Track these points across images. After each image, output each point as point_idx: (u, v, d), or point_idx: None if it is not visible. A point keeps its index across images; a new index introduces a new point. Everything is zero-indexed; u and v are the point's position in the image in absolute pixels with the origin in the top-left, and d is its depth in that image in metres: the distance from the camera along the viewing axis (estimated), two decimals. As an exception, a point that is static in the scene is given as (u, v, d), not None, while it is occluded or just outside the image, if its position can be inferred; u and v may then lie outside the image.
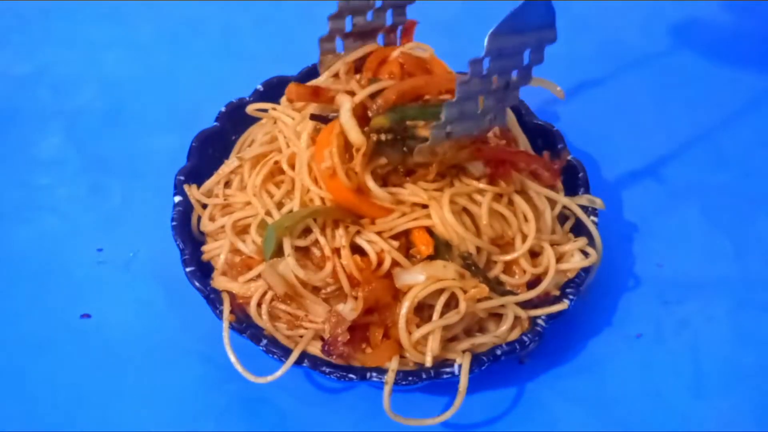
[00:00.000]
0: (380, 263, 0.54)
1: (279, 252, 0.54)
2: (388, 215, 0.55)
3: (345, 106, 0.54)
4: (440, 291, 0.54)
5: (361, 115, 0.55)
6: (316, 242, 0.54)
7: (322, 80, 0.61)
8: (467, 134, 0.53)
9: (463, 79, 0.49)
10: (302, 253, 0.55)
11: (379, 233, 0.54)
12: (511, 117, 0.65)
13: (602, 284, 0.63)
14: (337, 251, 0.54)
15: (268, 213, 0.56)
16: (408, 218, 0.55)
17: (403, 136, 0.54)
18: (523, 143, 0.64)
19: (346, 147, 0.54)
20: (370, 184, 0.53)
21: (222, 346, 0.55)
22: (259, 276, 0.56)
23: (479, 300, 0.54)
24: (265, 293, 0.55)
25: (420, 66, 0.60)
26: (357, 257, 0.54)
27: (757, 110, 0.79)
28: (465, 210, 0.56)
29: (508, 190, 0.57)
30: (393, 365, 0.53)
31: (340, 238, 0.54)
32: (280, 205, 0.56)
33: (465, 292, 0.54)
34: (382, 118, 0.54)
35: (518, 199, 0.57)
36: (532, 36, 0.51)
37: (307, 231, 0.54)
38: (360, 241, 0.54)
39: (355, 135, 0.53)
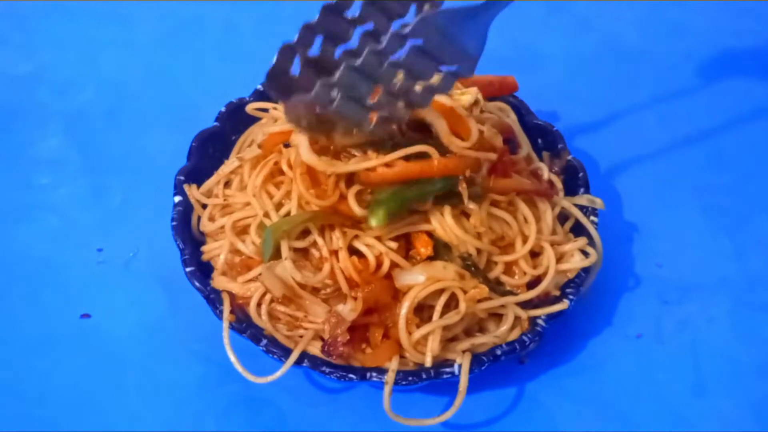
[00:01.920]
0: (379, 266, 0.54)
1: (277, 254, 0.54)
2: None
3: (303, 145, 0.54)
4: (440, 291, 0.54)
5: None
6: (315, 243, 0.54)
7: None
8: (346, 119, 0.49)
9: (376, 49, 0.45)
10: (301, 254, 0.55)
11: (377, 237, 0.54)
12: (513, 119, 0.65)
13: (602, 284, 0.63)
14: (335, 253, 0.54)
15: (267, 215, 0.56)
16: (406, 222, 0.55)
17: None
18: (526, 145, 0.64)
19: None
20: (353, 205, 0.53)
21: (222, 346, 0.55)
22: (258, 276, 0.56)
23: (479, 300, 0.54)
24: (264, 294, 0.55)
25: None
26: (355, 259, 0.54)
27: (757, 110, 0.79)
28: (464, 213, 0.56)
29: (508, 197, 0.57)
30: (393, 365, 0.53)
31: (337, 240, 0.54)
32: (279, 206, 0.56)
33: (465, 292, 0.54)
34: (382, 214, 0.52)
35: (518, 201, 0.57)
36: (456, 52, 0.47)
37: (306, 232, 0.54)
38: (358, 244, 0.54)
39: (323, 167, 0.53)
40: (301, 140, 0.54)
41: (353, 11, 0.49)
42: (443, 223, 0.54)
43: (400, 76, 0.48)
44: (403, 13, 0.50)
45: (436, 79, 0.49)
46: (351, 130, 0.51)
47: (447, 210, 0.54)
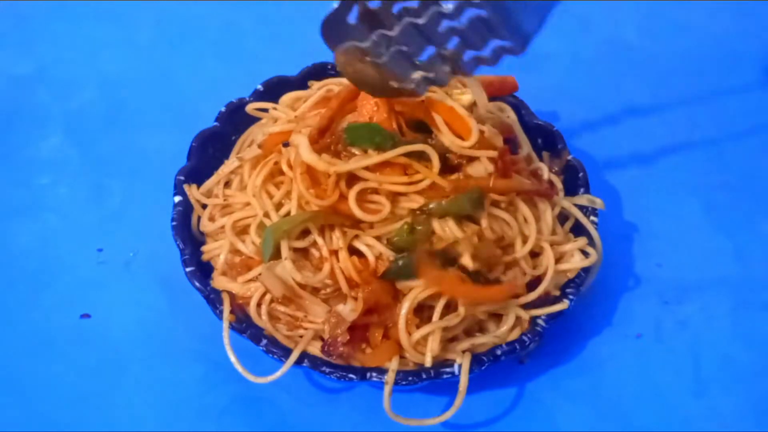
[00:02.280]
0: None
1: (277, 254, 0.54)
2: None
3: (303, 145, 0.54)
4: (440, 292, 0.54)
5: (325, 128, 0.55)
6: (315, 243, 0.54)
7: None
8: (392, 72, 0.49)
9: (442, 10, 0.46)
10: (301, 253, 0.55)
11: (377, 237, 0.54)
12: (513, 119, 0.65)
13: (602, 284, 0.63)
14: (335, 253, 0.54)
15: (267, 215, 0.56)
16: (405, 222, 0.54)
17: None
18: (526, 145, 0.64)
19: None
20: (353, 207, 0.53)
21: (222, 346, 0.55)
22: (258, 276, 0.56)
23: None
24: (264, 294, 0.55)
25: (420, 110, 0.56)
26: (355, 259, 0.53)
27: (757, 110, 0.79)
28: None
29: (509, 197, 0.57)
30: (393, 365, 0.53)
31: (338, 240, 0.54)
32: (279, 206, 0.56)
33: None
34: (407, 239, 0.53)
35: (518, 201, 0.57)
36: (512, 25, 0.47)
37: (306, 232, 0.54)
38: (358, 244, 0.54)
39: (323, 167, 0.53)
40: (300, 140, 0.54)
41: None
42: (443, 225, 0.54)
43: (454, 41, 0.48)
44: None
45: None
46: (394, 82, 0.50)
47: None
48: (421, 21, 0.46)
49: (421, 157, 0.54)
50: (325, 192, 0.53)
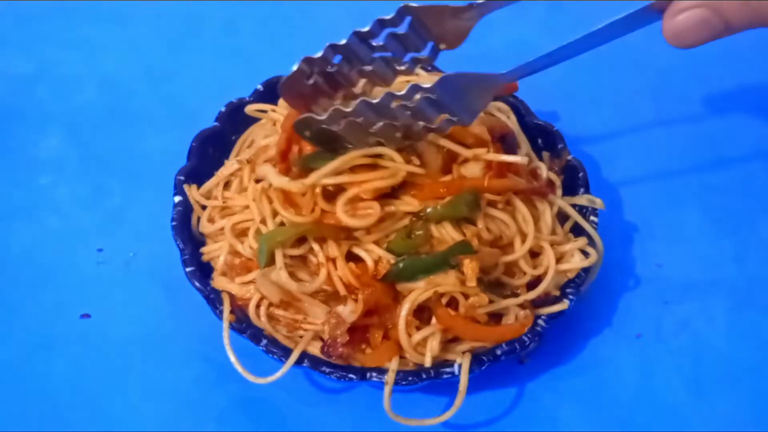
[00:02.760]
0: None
1: (272, 262, 0.54)
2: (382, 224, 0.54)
3: (270, 173, 0.55)
4: (441, 294, 0.54)
5: (285, 151, 0.56)
6: (311, 250, 0.54)
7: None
8: (348, 138, 0.53)
9: (393, 93, 0.49)
10: (298, 259, 0.55)
11: (376, 242, 0.54)
12: (512, 118, 0.65)
13: (602, 284, 0.63)
14: (332, 260, 0.53)
15: (264, 221, 0.56)
16: (402, 225, 0.54)
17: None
18: (525, 145, 0.64)
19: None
20: (341, 215, 0.52)
21: (222, 346, 0.55)
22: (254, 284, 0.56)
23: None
24: (263, 297, 0.55)
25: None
26: (352, 265, 0.53)
27: (757, 110, 0.79)
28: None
29: (505, 197, 0.57)
30: (393, 365, 0.53)
31: (334, 250, 0.53)
32: (276, 213, 0.55)
33: (465, 296, 0.54)
34: (405, 244, 0.54)
35: (516, 201, 0.57)
36: (465, 105, 0.51)
37: (303, 239, 0.54)
38: (357, 249, 0.54)
39: (296, 187, 0.53)
40: (266, 170, 0.55)
41: (379, 39, 0.54)
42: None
43: (404, 116, 0.51)
44: (421, 48, 0.55)
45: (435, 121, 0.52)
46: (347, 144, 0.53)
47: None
48: (375, 101, 0.49)
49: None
50: (306, 212, 0.53)
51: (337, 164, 0.52)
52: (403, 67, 0.56)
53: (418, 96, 0.49)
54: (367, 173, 0.53)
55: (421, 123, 0.51)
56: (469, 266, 0.53)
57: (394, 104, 0.50)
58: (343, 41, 0.53)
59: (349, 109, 0.50)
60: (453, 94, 0.49)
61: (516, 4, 0.52)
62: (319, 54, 0.53)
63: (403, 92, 0.49)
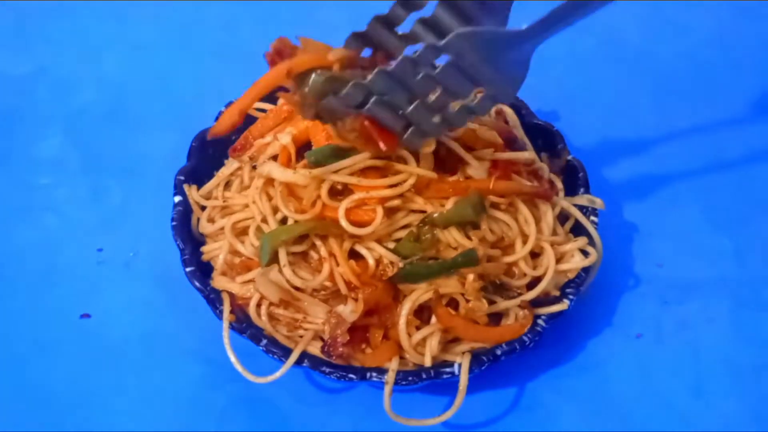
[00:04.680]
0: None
1: (274, 260, 0.54)
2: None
3: (274, 169, 0.54)
4: (441, 294, 0.54)
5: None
6: (314, 246, 0.54)
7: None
8: (380, 119, 0.49)
9: (411, 57, 0.45)
10: (299, 256, 0.55)
11: (378, 239, 0.54)
12: (513, 118, 0.65)
13: (602, 284, 0.63)
14: (334, 256, 0.54)
15: (264, 220, 0.56)
16: (406, 222, 0.55)
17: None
18: (529, 148, 0.63)
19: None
20: (343, 222, 0.52)
21: (222, 346, 0.55)
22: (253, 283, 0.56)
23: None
24: (263, 296, 0.55)
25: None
26: (353, 263, 0.53)
27: (757, 110, 0.79)
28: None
29: (508, 199, 0.57)
30: (393, 365, 0.53)
31: (336, 246, 0.54)
32: (276, 210, 0.55)
33: (466, 298, 0.54)
34: (412, 247, 0.54)
35: (518, 202, 0.57)
36: (494, 74, 0.46)
37: (305, 236, 0.54)
38: (358, 247, 0.54)
39: (303, 181, 0.53)
40: (270, 167, 0.55)
41: (404, 27, 0.49)
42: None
43: (436, 91, 0.47)
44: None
45: (473, 100, 0.49)
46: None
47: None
48: (391, 67, 0.45)
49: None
50: (306, 206, 0.53)
51: (348, 162, 0.53)
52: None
53: (438, 69, 0.45)
54: (376, 177, 0.53)
55: (458, 104, 0.48)
56: (471, 285, 0.53)
57: (416, 75, 0.45)
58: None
59: (367, 80, 0.46)
60: (476, 57, 0.45)
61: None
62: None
63: (418, 53, 0.45)
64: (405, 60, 0.45)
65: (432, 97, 0.48)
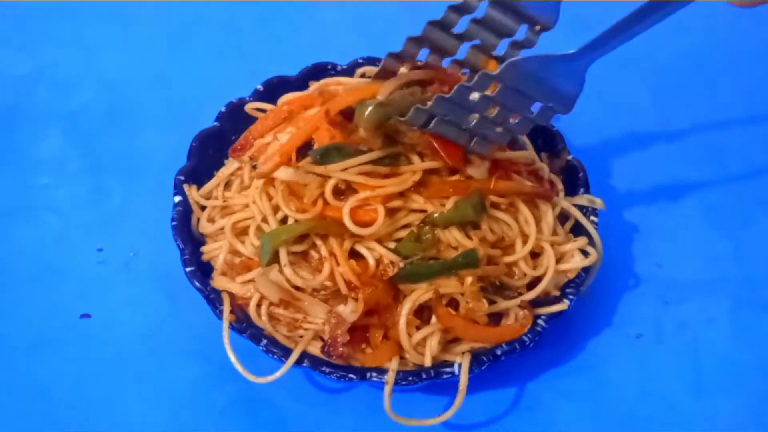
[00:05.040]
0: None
1: (274, 260, 0.54)
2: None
3: (280, 173, 0.55)
4: (441, 294, 0.54)
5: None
6: (314, 245, 0.54)
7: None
8: (445, 135, 0.52)
9: (466, 83, 0.48)
10: (300, 255, 0.55)
11: (379, 239, 0.54)
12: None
13: (602, 284, 0.63)
14: (334, 255, 0.54)
15: (265, 219, 0.56)
16: (407, 221, 0.55)
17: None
18: (529, 147, 0.64)
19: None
20: (347, 222, 0.53)
21: (222, 346, 0.55)
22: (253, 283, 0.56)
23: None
24: (263, 296, 0.55)
25: None
26: (353, 263, 0.53)
27: (757, 110, 0.79)
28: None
29: (509, 199, 0.57)
30: (393, 365, 0.53)
31: (337, 246, 0.54)
32: (276, 209, 0.56)
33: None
34: (413, 247, 0.54)
35: (519, 202, 0.57)
36: (550, 92, 0.49)
37: (305, 235, 0.54)
38: (359, 248, 0.54)
39: (304, 177, 0.54)
40: (280, 173, 0.55)
41: (459, 28, 0.52)
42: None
43: (495, 109, 0.50)
44: (512, 32, 0.52)
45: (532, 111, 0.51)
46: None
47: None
48: (449, 95, 0.48)
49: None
50: (307, 205, 0.54)
51: (355, 162, 0.53)
52: (502, 53, 0.53)
53: (495, 88, 0.47)
54: (380, 179, 0.53)
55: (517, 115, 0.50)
56: (469, 288, 0.53)
57: (474, 96, 0.48)
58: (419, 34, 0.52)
59: (427, 106, 0.49)
60: (531, 81, 0.47)
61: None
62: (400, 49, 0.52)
63: (473, 82, 0.48)
64: (461, 87, 0.48)
65: (493, 113, 0.50)
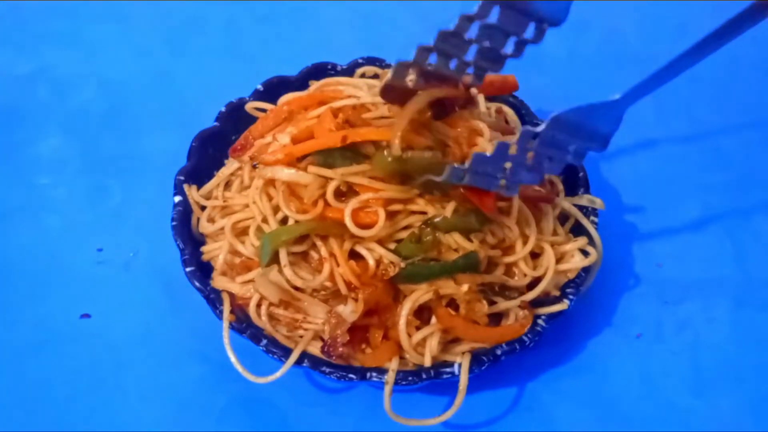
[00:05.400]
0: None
1: (274, 260, 0.54)
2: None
3: (278, 170, 0.55)
4: (441, 294, 0.54)
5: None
6: (314, 246, 0.54)
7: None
8: (479, 186, 0.52)
9: (506, 143, 0.49)
10: (300, 256, 0.55)
11: (379, 241, 0.54)
12: (513, 118, 0.65)
13: (602, 284, 0.63)
14: (334, 256, 0.54)
15: (265, 220, 0.56)
16: (407, 223, 0.55)
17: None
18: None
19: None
20: (349, 224, 0.53)
21: (222, 346, 0.55)
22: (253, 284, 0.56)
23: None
24: (263, 296, 0.55)
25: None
26: (353, 263, 0.53)
27: (757, 110, 0.79)
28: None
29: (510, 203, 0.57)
30: (393, 365, 0.53)
31: (336, 247, 0.54)
32: (276, 209, 0.56)
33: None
34: (413, 248, 0.54)
35: (520, 203, 0.57)
36: (588, 136, 0.49)
37: (305, 236, 0.54)
38: (359, 248, 0.54)
39: (306, 180, 0.54)
40: (274, 170, 0.55)
41: (471, 33, 0.51)
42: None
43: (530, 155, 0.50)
44: (522, 32, 0.51)
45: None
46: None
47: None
48: (488, 154, 0.49)
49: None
50: (307, 206, 0.54)
51: (360, 169, 0.53)
52: (509, 51, 0.52)
53: (534, 143, 0.48)
54: (383, 182, 0.53)
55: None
56: (464, 297, 0.53)
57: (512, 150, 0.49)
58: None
59: (464, 167, 0.49)
60: (571, 129, 0.48)
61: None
62: (412, 58, 0.51)
63: (515, 140, 0.48)
64: (501, 145, 0.48)
65: (529, 160, 0.50)
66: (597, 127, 0.49)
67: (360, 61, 0.68)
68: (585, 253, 0.59)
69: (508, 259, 0.56)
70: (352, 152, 0.54)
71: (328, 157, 0.54)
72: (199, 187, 0.62)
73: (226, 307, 0.55)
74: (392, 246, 0.54)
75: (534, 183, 0.53)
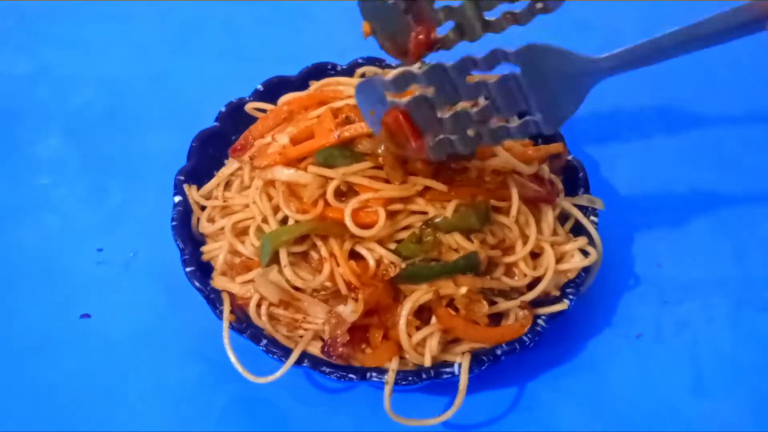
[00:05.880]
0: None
1: (274, 260, 0.54)
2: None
3: (278, 170, 0.55)
4: (441, 294, 0.54)
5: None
6: (314, 246, 0.54)
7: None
8: (415, 120, 0.49)
9: (473, 57, 0.45)
10: (300, 256, 0.55)
11: (379, 241, 0.54)
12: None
13: (602, 284, 0.63)
14: (334, 256, 0.54)
15: (265, 220, 0.56)
16: (407, 223, 0.55)
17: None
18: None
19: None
20: (350, 224, 0.53)
21: (222, 346, 0.55)
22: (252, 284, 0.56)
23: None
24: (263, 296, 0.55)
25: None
26: (353, 263, 0.53)
27: (757, 110, 0.79)
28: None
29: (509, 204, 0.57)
30: (393, 365, 0.53)
31: (336, 248, 0.54)
32: (276, 209, 0.56)
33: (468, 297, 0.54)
34: (414, 248, 0.54)
35: (520, 203, 0.57)
36: (547, 100, 0.46)
37: (305, 236, 0.54)
38: (359, 248, 0.54)
39: (306, 180, 0.54)
40: (275, 170, 0.55)
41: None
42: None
43: (481, 102, 0.47)
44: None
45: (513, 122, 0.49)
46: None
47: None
48: (451, 63, 0.46)
49: None
50: (307, 206, 0.54)
51: (361, 167, 0.53)
52: (493, 18, 0.49)
53: (495, 78, 0.45)
54: (383, 182, 0.54)
55: (496, 124, 0.48)
56: (460, 300, 0.53)
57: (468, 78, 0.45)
58: None
59: (420, 71, 0.46)
60: (538, 76, 0.44)
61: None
62: None
63: (483, 55, 0.45)
64: (467, 59, 0.45)
65: (474, 109, 0.48)
66: (559, 92, 0.46)
67: (360, 61, 0.68)
68: (585, 253, 0.59)
69: (508, 259, 0.56)
70: (351, 152, 0.54)
71: (328, 157, 0.54)
72: (199, 187, 0.62)
73: (226, 307, 0.55)
74: (392, 246, 0.54)
75: (463, 152, 0.50)
